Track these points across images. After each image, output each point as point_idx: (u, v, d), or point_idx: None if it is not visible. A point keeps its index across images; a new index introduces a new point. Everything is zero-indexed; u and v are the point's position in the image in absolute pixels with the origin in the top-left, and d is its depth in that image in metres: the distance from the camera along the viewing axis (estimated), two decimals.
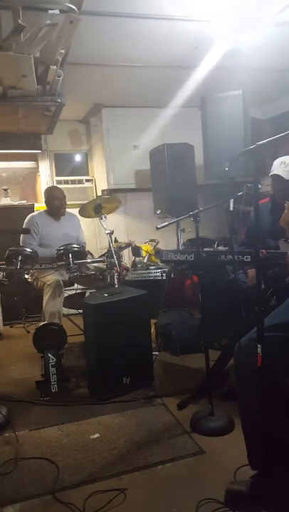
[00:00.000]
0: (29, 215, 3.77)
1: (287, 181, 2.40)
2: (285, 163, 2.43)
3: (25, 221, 3.71)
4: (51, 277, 3.31)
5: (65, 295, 3.45)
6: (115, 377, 2.68)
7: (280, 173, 2.34)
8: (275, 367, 1.50)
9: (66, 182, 5.30)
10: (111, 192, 4.99)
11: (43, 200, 3.90)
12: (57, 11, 2.36)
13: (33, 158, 5.33)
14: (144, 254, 4.57)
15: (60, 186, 5.19)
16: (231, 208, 2.16)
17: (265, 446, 1.52)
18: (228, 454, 1.99)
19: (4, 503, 1.77)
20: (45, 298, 3.24)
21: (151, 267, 4.41)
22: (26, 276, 3.33)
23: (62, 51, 2.75)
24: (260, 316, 1.47)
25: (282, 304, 1.77)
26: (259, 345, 1.43)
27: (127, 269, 4.18)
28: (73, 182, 5.33)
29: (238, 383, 1.73)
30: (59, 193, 3.77)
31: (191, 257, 2.34)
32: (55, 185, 4.19)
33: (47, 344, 2.77)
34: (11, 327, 4.53)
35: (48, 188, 4.06)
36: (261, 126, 4.78)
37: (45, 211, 3.82)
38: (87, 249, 3.48)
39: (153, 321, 3.38)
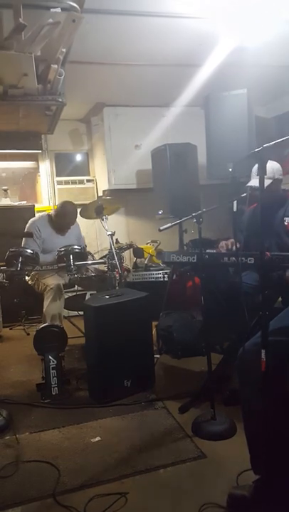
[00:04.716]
0: (31, 220, 3.70)
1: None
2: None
3: (27, 225, 3.64)
4: (52, 281, 3.28)
5: (66, 297, 3.42)
6: (116, 380, 2.66)
7: (253, 184, 2.38)
8: (279, 372, 1.48)
9: (67, 182, 5.28)
10: (112, 192, 4.96)
11: (55, 210, 3.74)
12: (59, 10, 2.34)
13: (33, 158, 5.31)
14: (145, 255, 4.54)
15: (60, 187, 5.21)
16: (235, 209, 2.15)
17: (268, 452, 1.50)
18: (230, 459, 1.97)
19: (5, 506, 1.76)
20: (46, 302, 3.22)
21: (153, 269, 4.39)
22: (27, 278, 3.31)
23: (64, 50, 2.73)
24: (264, 320, 1.45)
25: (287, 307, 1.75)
26: (263, 350, 1.41)
27: (128, 271, 4.16)
28: (74, 182, 5.30)
29: (241, 388, 1.71)
30: (73, 218, 3.64)
31: (194, 259, 2.32)
32: (73, 204, 3.70)
33: (47, 346, 2.74)
34: (10, 329, 4.51)
35: (68, 205, 3.65)
36: (266, 125, 4.76)
37: (49, 217, 3.69)
38: (87, 250, 3.45)
39: (154, 323, 3.36)
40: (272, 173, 2.46)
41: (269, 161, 2.45)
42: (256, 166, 2.43)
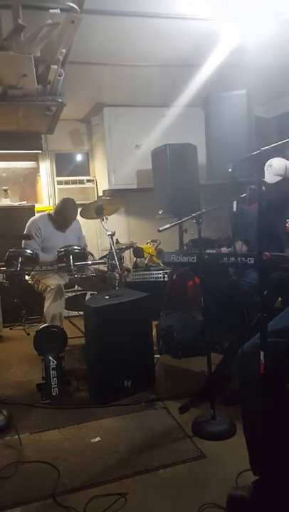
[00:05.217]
0: (31, 219, 3.70)
1: (270, 185, 2.41)
2: (271, 166, 2.45)
3: (27, 225, 3.64)
4: (52, 282, 3.28)
5: (66, 297, 3.42)
6: (116, 380, 2.66)
7: (263, 178, 2.36)
8: (278, 374, 1.48)
9: (67, 182, 5.28)
10: (112, 192, 4.96)
11: (55, 206, 3.78)
12: (58, 11, 2.34)
13: (34, 158, 5.31)
14: (145, 255, 4.54)
15: (60, 187, 5.21)
16: (234, 209, 2.15)
17: (267, 453, 1.50)
18: (229, 459, 1.97)
19: (5, 506, 1.76)
20: (47, 303, 3.22)
21: (153, 268, 4.39)
22: (27, 277, 3.31)
23: (64, 50, 2.72)
24: (263, 322, 1.44)
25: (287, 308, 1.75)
26: (262, 352, 1.41)
27: (128, 271, 4.16)
28: (74, 182, 5.30)
29: (241, 388, 1.71)
30: (74, 214, 3.65)
31: (194, 259, 2.32)
32: (73, 201, 3.71)
33: (47, 346, 2.74)
34: (10, 329, 4.51)
35: (68, 202, 3.68)
36: (266, 125, 4.76)
37: (49, 216, 3.71)
38: (88, 250, 3.45)
39: (154, 323, 3.36)
40: (283, 170, 2.45)
41: (282, 159, 2.46)
42: (269, 160, 2.45)
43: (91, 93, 4.49)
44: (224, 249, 2.50)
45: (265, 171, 2.47)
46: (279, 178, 2.43)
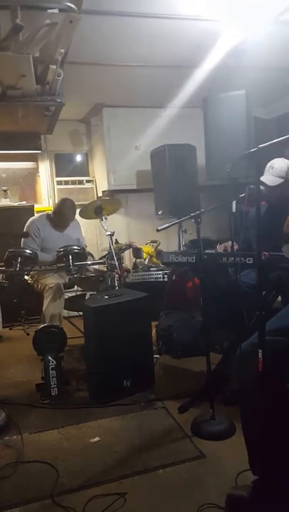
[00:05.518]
0: (30, 219, 3.72)
1: (272, 187, 2.41)
2: (273, 167, 2.44)
3: (26, 225, 3.66)
4: (52, 281, 3.28)
5: (66, 297, 3.42)
6: (116, 380, 2.66)
7: (264, 180, 2.36)
8: (277, 372, 1.47)
9: (66, 182, 5.27)
10: (112, 193, 4.96)
11: (54, 206, 3.81)
12: (56, 11, 2.35)
13: (33, 158, 5.31)
14: (145, 255, 4.54)
15: (60, 187, 5.21)
16: (234, 210, 2.15)
17: (266, 452, 1.50)
18: (229, 459, 1.97)
19: (4, 507, 1.76)
20: (46, 301, 3.22)
21: (153, 269, 4.38)
22: (26, 277, 3.31)
23: (62, 50, 2.73)
24: (261, 321, 1.44)
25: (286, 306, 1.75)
26: (260, 350, 1.41)
27: (128, 271, 4.15)
28: (73, 183, 5.30)
29: (240, 388, 1.71)
30: (72, 214, 3.68)
31: (193, 259, 2.32)
32: (71, 201, 3.73)
33: (47, 346, 2.74)
34: (10, 329, 4.51)
35: (66, 202, 3.70)
36: (265, 126, 4.75)
37: (48, 216, 3.73)
38: (87, 250, 3.45)
39: (154, 323, 3.36)
40: (285, 172, 2.43)
41: (284, 160, 2.46)
42: (270, 162, 2.45)
43: (90, 93, 4.50)
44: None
45: (267, 173, 2.46)
46: (280, 181, 2.42)
